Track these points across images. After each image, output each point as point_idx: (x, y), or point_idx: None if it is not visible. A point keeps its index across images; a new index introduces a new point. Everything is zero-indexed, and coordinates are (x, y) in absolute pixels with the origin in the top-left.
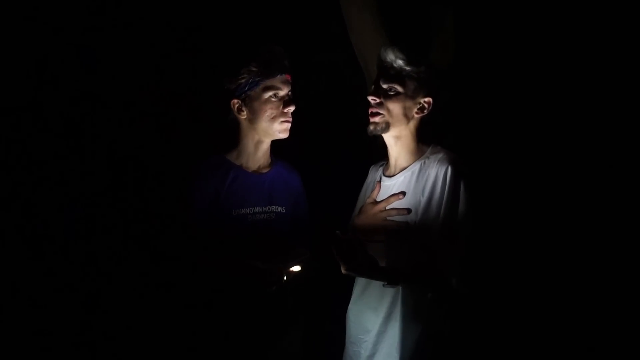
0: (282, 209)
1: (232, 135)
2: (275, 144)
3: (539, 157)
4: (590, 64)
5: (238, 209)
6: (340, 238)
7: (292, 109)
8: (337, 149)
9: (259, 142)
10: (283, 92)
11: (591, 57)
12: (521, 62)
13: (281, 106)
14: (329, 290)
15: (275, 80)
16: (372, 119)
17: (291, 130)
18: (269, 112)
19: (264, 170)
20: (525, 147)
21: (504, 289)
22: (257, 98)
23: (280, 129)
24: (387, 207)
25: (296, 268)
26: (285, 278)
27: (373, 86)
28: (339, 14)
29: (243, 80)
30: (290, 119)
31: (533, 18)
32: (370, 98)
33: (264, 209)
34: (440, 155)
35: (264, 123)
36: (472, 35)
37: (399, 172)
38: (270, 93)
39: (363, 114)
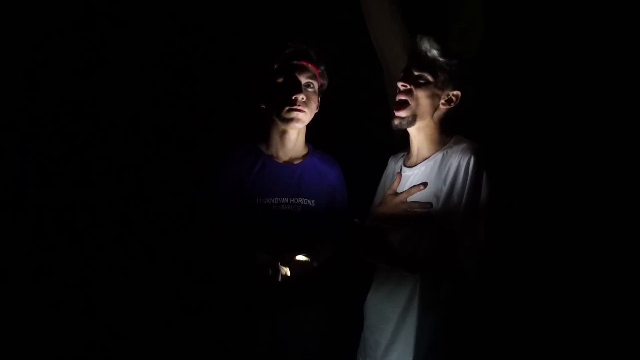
0: (310, 202)
1: (264, 125)
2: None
3: (560, 151)
4: (621, 55)
5: (262, 198)
6: (359, 225)
7: (299, 96)
8: (353, 139)
9: (283, 132)
10: (293, 79)
11: (622, 48)
12: (546, 55)
13: (290, 93)
14: (350, 281)
15: (287, 67)
16: (397, 113)
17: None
18: (278, 99)
19: (296, 162)
20: (547, 140)
21: (521, 280)
22: (270, 85)
23: (288, 117)
24: (409, 199)
25: (302, 258)
26: (284, 272)
27: (403, 73)
28: (353, 2)
29: (260, 69)
30: (299, 107)
31: (558, 10)
32: (400, 84)
33: (290, 200)
34: (464, 145)
35: (275, 110)
36: (494, 28)
37: (420, 162)
38: (280, 79)
39: (380, 104)
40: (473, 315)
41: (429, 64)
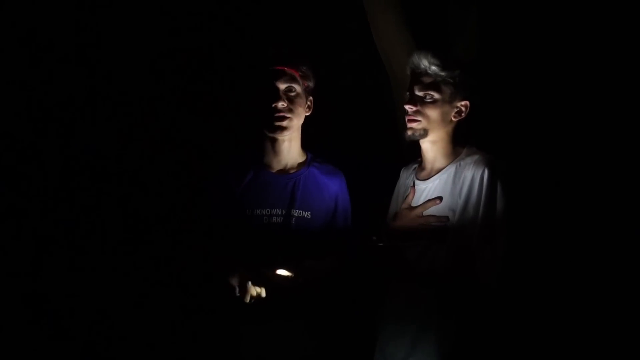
0: (306, 214)
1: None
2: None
3: (571, 156)
4: (626, 61)
5: (252, 209)
6: (377, 244)
7: (278, 104)
8: (363, 150)
9: (274, 140)
10: (271, 86)
11: (627, 54)
12: (549, 60)
13: (269, 101)
14: (359, 294)
15: (266, 74)
16: (409, 125)
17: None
18: (258, 107)
19: (291, 171)
20: (557, 146)
21: (540, 291)
22: (254, 93)
23: (268, 126)
24: (425, 213)
25: (284, 272)
26: (255, 293)
27: (408, 94)
28: (359, 13)
29: (248, 77)
30: (279, 115)
31: (559, 15)
32: (407, 107)
33: (282, 211)
34: (476, 156)
35: (259, 120)
36: (496, 33)
37: (434, 175)
38: (260, 87)
39: (388, 114)
40: (494, 328)
41: (431, 81)
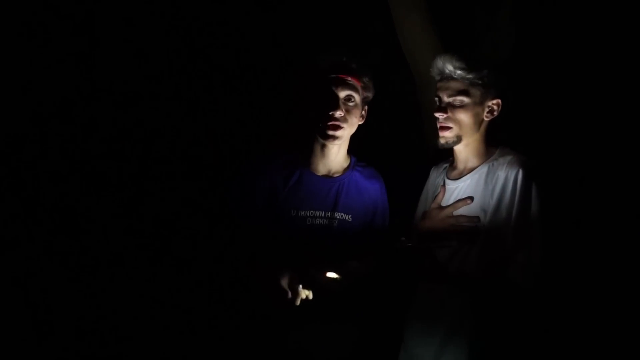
0: (347, 217)
1: (305, 136)
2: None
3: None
4: None
5: (297, 210)
6: (407, 246)
7: (336, 113)
8: (391, 152)
9: (324, 146)
10: (331, 94)
11: None
12: (585, 59)
13: (327, 109)
14: (388, 295)
15: (327, 82)
16: (442, 133)
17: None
18: (313, 113)
19: (336, 175)
20: (593, 147)
21: (576, 295)
22: (311, 99)
23: (324, 133)
24: (455, 213)
25: (332, 275)
26: (304, 295)
27: (437, 99)
28: (384, 13)
29: (305, 81)
30: (336, 123)
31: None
32: (437, 115)
33: (325, 214)
34: (509, 157)
35: (313, 125)
36: (532, 30)
37: (466, 175)
38: (318, 94)
39: (414, 115)
40: (527, 331)
41: (459, 85)
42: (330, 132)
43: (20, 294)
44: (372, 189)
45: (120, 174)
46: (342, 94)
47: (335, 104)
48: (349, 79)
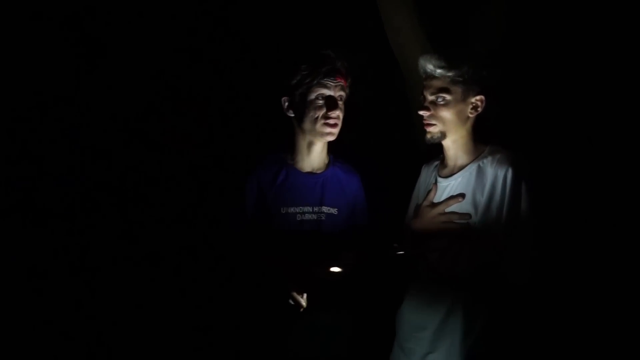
0: (333, 211)
1: (290, 134)
2: (332, 145)
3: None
4: None
5: (286, 207)
6: (400, 253)
7: (336, 113)
8: (383, 149)
9: (310, 143)
10: (330, 95)
11: None
12: (575, 56)
13: (325, 109)
14: (377, 290)
15: (323, 83)
16: (427, 129)
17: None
18: (311, 113)
19: (318, 171)
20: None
21: (567, 290)
22: (304, 99)
23: (322, 132)
24: (447, 210)
25: (336, 269)
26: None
27: (422, 98)
28: (373, 12)
29: (294, 81)
30: (335, 122)
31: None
32: (421, 113)
33: (314, 209)
34: (499, 155)
35: (308, 124)
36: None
37: (456, 172)
38: (315, 94)
39: (405, 113)
40: (518, 326)
41: (440, 84)
42: (328, 130)
43: (20, 293)
44: (352, 183)
45: (120, 174)
46: (337, 94)
47: (335, 105)
48: (342, 81)
